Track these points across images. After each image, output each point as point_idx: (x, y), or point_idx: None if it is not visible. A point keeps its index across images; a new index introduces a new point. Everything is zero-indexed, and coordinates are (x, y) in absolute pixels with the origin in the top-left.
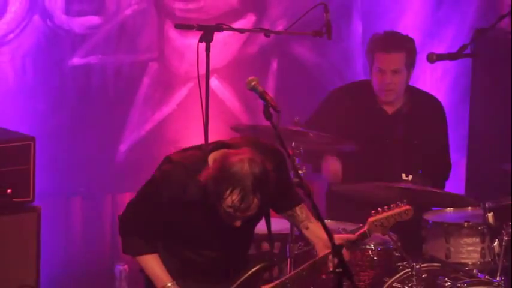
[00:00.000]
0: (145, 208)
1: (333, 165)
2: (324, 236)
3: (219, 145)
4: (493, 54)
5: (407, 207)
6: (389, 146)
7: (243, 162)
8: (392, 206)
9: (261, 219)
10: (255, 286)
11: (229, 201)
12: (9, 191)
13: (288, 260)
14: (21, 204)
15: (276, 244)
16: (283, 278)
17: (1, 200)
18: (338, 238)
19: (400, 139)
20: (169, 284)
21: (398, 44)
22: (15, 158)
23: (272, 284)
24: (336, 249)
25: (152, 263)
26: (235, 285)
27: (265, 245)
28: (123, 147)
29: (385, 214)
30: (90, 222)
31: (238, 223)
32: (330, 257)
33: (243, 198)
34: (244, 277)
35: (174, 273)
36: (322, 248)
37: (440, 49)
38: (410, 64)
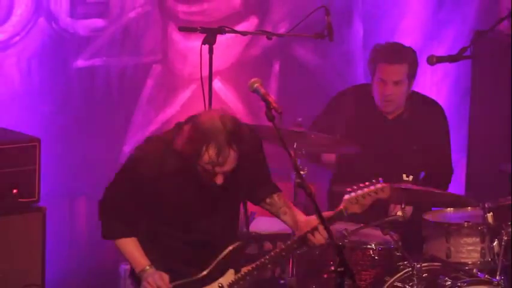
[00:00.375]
0: (125, 188)
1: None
2: (302, 218)
3: (191, 117)
4: (492, 56)
5: (384, 185)
6: (390, 149)
7: (213, 118)
8: (367, 184)
9: (243, 198)
10: (232, 266)
11: (206, 157)
12: (15, 191)
13: (290, 259)
14: (26, 204)
15: (279, 244)
16: (263, 259)
17: (7, 200)
18: (314, 219)
19: (400, 143)
20: (147, 267)
21: (400, 55)
22: (21, 159)
23: (253, 264)
24: (337, 250)
25: (131, 247)
26: (211, 266)
27: (268, 245)
28: (127, 148)
29: (360, 192)
30: (95, 222)
31: (219, 179)
32: (310, 235)
33: (220, 152)
34: (219, 258)
35: (155, 262)
36: (301, 230)
37: (441, 51)
38: (412, 75)
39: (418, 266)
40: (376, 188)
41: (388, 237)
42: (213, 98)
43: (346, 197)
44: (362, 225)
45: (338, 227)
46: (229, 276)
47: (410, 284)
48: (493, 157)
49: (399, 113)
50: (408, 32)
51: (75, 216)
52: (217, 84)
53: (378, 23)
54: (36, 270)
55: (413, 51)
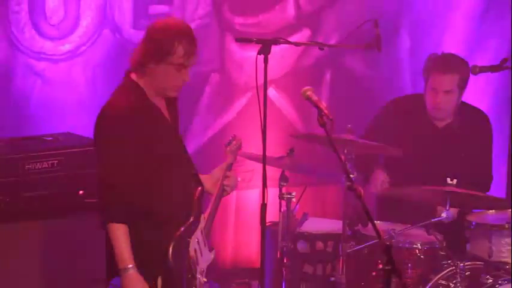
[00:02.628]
0: (119, 149)
1: (380, 178)
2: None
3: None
4: None
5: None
6: (437, 156)
7: (168, 20)
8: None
9: None
10: (202, 211)
11: (180, 50)
12: (81, 192)
13: (341, 258)
14: (92, 205)
15: (330, 243)
16: (212, 205)
17: (74, 201)
18: (216, 171)
19: (449, 151)
20: (130, 266)
21: (453, 66)
22: (86, 162)
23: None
24: (385, 249)
25: (126, 237)
26: (193, 212)
27: (319, 244)
28: None
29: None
30: None
31: (187, 75)
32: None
33: (191, 42)
34: (196, 201)
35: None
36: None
37: (483, 62)
38: (463, 86)
39: (461, 264)
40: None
41: (432, 237)
42: (268, 105)
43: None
44: (408, 226)
45: (386, 227)
46: (202, 221)
47: (454, 281)
48: None
49: (448, 122)
50: (452, 43)
51: None
52: (271, 92)
53: (424, 35)
54: (101, 267)
55: (466, 63)
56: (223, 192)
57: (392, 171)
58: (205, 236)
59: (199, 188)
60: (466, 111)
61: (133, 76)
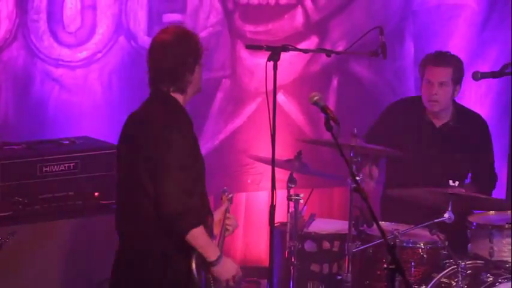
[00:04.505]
0: (189, 152)
1: (366, 171)
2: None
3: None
4: None
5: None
6: (436, 156)
7: (169, 29)
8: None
9: None
10: None
11: (200, 49)
12: (96, 194)
13: (347, 257)
14: (107, 206)
15: (336, 243)
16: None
17: (90, 202)
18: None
19: (447, 150)
20: (219, 254)
21: (446, 59)
22: (102, 165)
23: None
24: (389, 248)
25: (205, 235)
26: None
27: (326, 244)
28: None
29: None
30: None
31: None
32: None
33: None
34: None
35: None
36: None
37: (484, 68)
38: (457, 80)
39: (463, 263)
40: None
41: (435, 237)
42: (277, 110)
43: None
44: (412, 226)
45: (390, 228)
46: None
47: (456, 280)
48: None
49: (446, 121)
50: (455, 50)
51: None
52: (280, 97)
53: (427, 42)
54: None
55: (459, 59)
56: (225, 231)
57: (394, 173)
58: None
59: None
60: (463, 112)
61: (166, 90)
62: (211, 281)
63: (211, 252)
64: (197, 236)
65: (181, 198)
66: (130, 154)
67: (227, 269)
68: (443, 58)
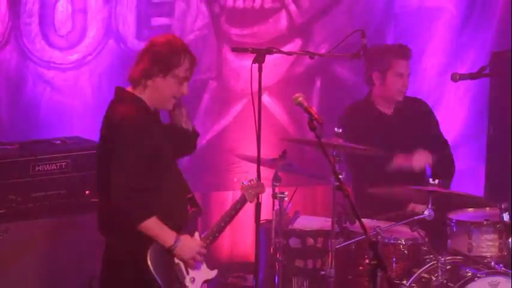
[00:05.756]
0: (138, 157)
1: (423, 156)
2: None
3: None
4: (508, 74)
5: (261, 183)
6: (395, 146)
7: (169, 36)
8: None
9: None
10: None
11: (187, 64)
12: (87, 192)
13: (330, 253)
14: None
15: (320, 239)
16: (212, 229)
17: (81, 201)
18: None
19: (402, 135)
20: (175, 239)
21: (409, 52)
22: (93, 164)
23: (207, 233)
24: (371, 245)
25: (159, 224)
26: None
27: (310, 240)
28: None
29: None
30: None
31: (186, 89)
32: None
33: (194, 59)
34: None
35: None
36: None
37: (463, 70)
38: None
39: (443, 259)
40: (257, 184)
41: (416, 233)
42: (262, 110)
43: (244, 187)
44: (393, 223)
45: (372, 224)
46: (196, 238)
47: (436, 275)
48: (509, 163)
49: (394, 107)
50: (434, 52)
51: None
52: (265, 98)
53: (408, 44)
54: None
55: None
56: (226, 222)
57: (372, 170)
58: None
59: (194, 209)
60: (406, 97)
61: (130, 90)
62: (177, 269)
63: (166, 238)
64: (148, 227)
65: (127, 194)
66: (100, 153)
67: (187, 248)
68: (407, 51)
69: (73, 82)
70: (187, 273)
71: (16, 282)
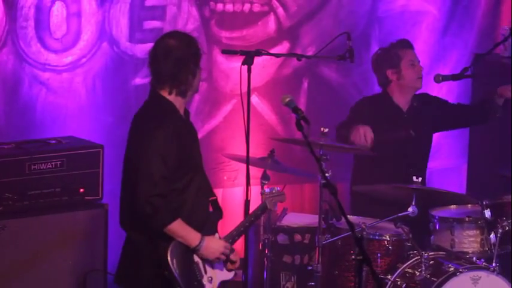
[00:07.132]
0: (164, 165)
1: (361, 129)
2: None
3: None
4: (489, 75)
5: (282, 192)
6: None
7: (173, 33)
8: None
9: None
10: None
11: (201, 53)
12: (81, 190)
13: (317, 248)
14: (91, 202)
15: (307, 235)
16: (232, 232)
17: (75, 198)
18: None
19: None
20: (200, 239)
21: (411, 43)
22: (87, 163)
23: (226, 235)
24: (357, 241)
25: (183, 226)
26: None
27: (298, 236)
28: None
29: (272, 193)
30: None
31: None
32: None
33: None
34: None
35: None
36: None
37: (445, 71)
38: None
39: (426, 254)
40: (278, 193)
41: (400, 230)
42: (251, 111)
43: (266, 195)
44: (378, 220)
45: (358, 221)
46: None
47: (419, 270)
48: (490, 162)
49: (410, 104)
50: (418, 54)
51: None
52: (254, 99)
53: None
54: (99, 257)
55: None
56: (250, 223)
57: (361, 169)
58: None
59: (216, 212)
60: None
61: (162, 93)
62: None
63: (191, 240)
64: (173, 230)
65: (151, 199)
66: (126, 153)
67: (212, 249)
68: (409, 42)
69: (68, 84)
70: (205, 273)
71: (13, 278)
